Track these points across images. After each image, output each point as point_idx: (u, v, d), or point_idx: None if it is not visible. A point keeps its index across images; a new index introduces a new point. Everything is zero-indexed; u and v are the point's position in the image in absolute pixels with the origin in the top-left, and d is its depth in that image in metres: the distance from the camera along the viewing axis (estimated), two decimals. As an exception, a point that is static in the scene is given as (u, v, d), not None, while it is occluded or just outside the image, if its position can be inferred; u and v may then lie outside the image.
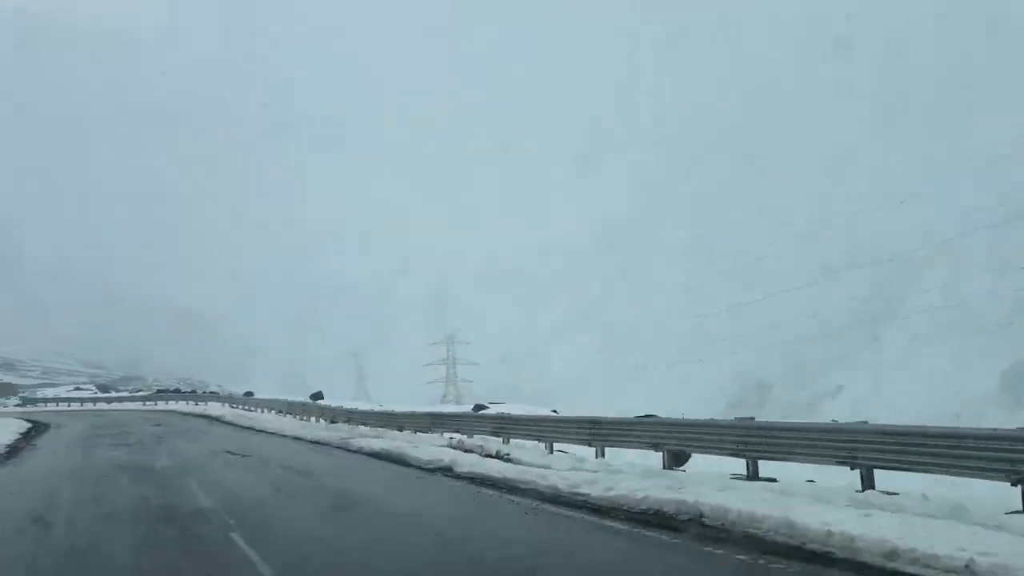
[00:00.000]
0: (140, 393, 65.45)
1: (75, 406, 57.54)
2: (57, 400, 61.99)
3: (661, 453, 14.11)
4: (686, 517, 9.46)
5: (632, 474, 12.61)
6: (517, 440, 18.93)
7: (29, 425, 35.13)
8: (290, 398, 44.92)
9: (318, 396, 51.88)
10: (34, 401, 64.15)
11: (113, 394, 72.35)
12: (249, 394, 54.09)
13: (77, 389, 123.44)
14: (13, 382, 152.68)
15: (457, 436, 21.02)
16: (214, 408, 46.21)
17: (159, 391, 64.94)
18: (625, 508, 10.40)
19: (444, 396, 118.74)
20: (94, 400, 60.66)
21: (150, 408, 51.97)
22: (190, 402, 51.74)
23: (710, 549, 8.13)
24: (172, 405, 51.75)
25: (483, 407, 37.49)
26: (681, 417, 16.41)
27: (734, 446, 12.66)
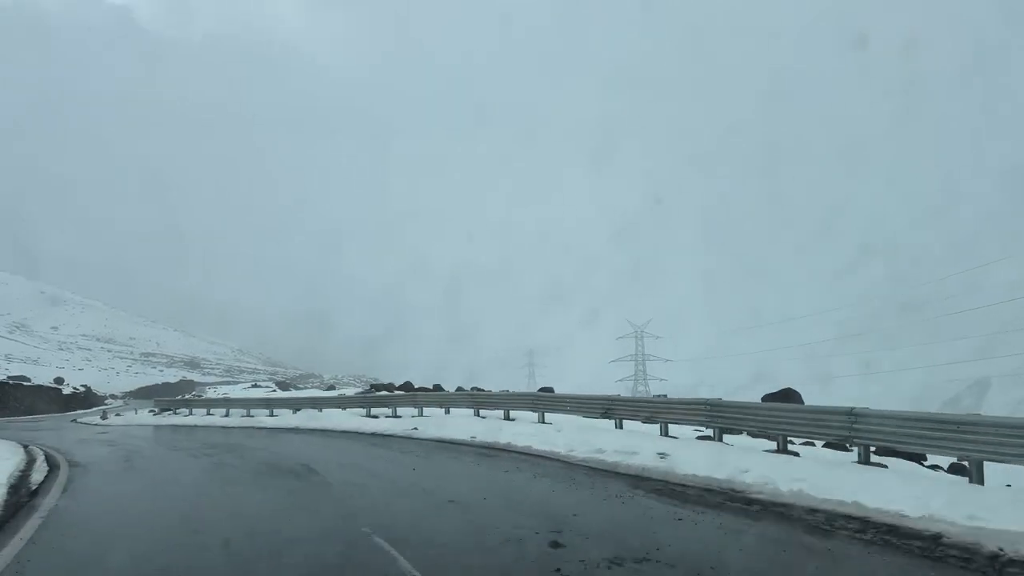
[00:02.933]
0: (346, 393, 34.00)
1: (238, 414, 28.19)
2: (210, 405, 32.24)
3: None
4: None
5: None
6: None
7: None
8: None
9: (792, 394, 19.87)
10: (175, 406, 35.49)
11: (295, 393, 42.70)
12: (547, 389, 23.43)
13: (255, 387, 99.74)
14: (196, 379, 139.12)
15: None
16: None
17: (374, 386, 34.77)
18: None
19: (634, 395, 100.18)
20: (269, 404, 29.14)
21: (402, 433, 18.70)
22: (474, 408, 20.02)
23: None
24: (443, 426, 18.50)
25: None
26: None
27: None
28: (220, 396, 33.20)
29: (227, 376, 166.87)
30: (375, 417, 23.49)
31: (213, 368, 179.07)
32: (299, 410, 26.77)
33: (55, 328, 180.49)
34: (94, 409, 61.51)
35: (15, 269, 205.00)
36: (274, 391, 75.70)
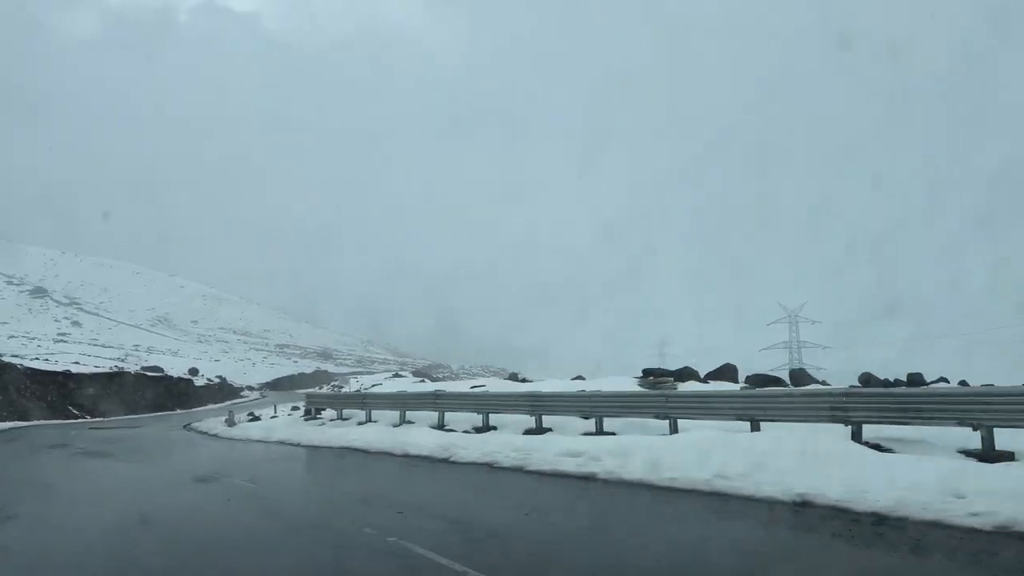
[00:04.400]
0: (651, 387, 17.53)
1: (459, 423, 13.89)
2: (406, 405, 16.35)
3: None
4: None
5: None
6: None
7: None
8: None
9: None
10: (341, 405, 20.59)
11: (573, 384, 22.41)
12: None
13: (396, 376, 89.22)
14: (330, 370, 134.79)
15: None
16: None
17: (649, 372, 19.54)
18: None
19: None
20: (534, 404, 12.78)
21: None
22: None
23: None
24: None
25: None
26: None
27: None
28: (430, 391, 17.65)
29: (359, 366, 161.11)
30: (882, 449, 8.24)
31: (345, 359, 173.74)
32: (592, 413, 12.01)
33: (195, 322, 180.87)
34: (223, 404, 50.51)
35: (158, 266, 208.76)
36: (423, 381, 63.23)
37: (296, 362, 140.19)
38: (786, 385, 18.44)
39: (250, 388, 76.83)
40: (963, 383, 13.86)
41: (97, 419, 31.90)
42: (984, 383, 10.95)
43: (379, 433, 14.40)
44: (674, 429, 11.16)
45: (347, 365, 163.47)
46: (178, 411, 42.63)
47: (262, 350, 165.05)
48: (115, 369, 45.39)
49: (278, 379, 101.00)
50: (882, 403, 9.29)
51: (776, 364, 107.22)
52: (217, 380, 65.50)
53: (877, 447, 8.80)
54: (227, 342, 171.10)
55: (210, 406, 48.71)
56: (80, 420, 30.60)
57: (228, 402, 53.53)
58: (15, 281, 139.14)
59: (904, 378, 17.89)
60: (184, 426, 22.93)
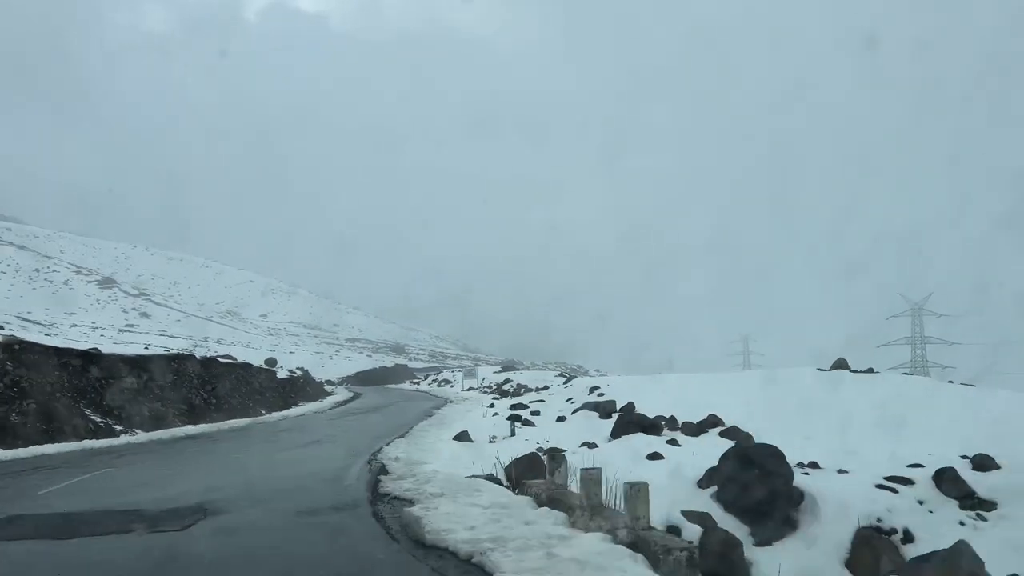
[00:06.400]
0: None
1: None
2: None
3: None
4: None
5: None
6: None
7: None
8: None
9: None
10: None
11: None
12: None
13: (507, 369, 75.02)
14: (407, 364, 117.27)
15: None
16: None
17: None
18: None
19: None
20: None
21: None
22: None
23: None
24: None
25: None
26: None
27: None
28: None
29: (433, 361, 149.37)
30: None
31: (417, 354, 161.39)
32: None
33: (264, 316, 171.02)
34: (322, 405, 36.17)
35: (227, 259, 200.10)
36: (564, 378, 48.44)
37: (370, 355, 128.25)
38: None
39: (330, 383, 63.35)
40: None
41: (125, 439, 17.30)
42: None
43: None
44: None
45: (421, 360, 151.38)
46: (264, 414, 28.35)
47: (333, 344, 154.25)
48: (171, 351, 31.17)
49: (360, 372, 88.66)
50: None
51: (896, 362, 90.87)
52: (300, 372, 51.30)
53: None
54: (297, 335, 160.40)
55: (306, 406, 34.54)
56: (92, 442, 15.91)
57: (330, 400, 39.41)
58: (84, 272, 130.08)
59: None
60: (379, 523, 6.94)
